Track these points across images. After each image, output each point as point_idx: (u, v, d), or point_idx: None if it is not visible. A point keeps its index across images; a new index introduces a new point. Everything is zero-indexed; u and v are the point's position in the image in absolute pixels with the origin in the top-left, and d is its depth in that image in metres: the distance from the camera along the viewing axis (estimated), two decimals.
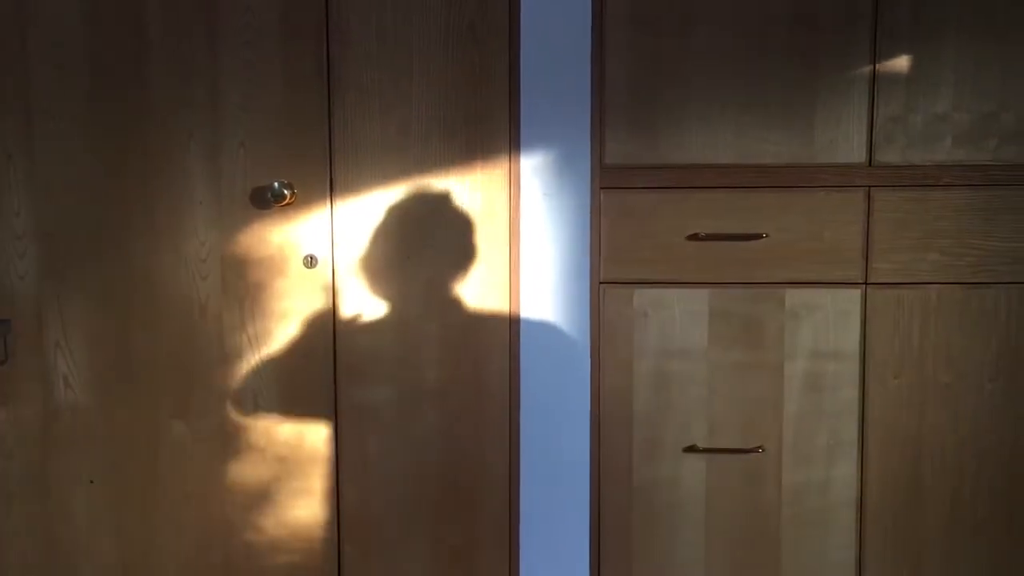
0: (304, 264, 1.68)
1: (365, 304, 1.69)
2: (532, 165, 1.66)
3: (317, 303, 1.69)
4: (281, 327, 1.69)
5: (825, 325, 1.65)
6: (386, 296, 1.68)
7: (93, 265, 1.69)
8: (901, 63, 1.60)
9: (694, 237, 1.64)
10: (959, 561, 1.68)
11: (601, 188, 1.65)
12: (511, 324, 1.67)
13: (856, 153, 1.62)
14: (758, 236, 1.63)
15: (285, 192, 1.63)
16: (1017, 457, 1.65)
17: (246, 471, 1.72)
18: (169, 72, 1.65)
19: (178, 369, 1.70)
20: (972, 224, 1.61)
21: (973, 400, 1.65)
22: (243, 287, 1.69)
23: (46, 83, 1.66)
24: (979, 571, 1.68)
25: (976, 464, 1.66)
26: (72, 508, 1.74)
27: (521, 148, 1.65)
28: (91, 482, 1.74)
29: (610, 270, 1.66)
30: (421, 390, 1.69)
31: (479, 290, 1.67)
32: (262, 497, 1.73)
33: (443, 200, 1.66)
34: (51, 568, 1.76)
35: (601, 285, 1.67)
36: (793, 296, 1.65)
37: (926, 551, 1.68)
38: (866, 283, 1.63)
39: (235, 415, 1.71)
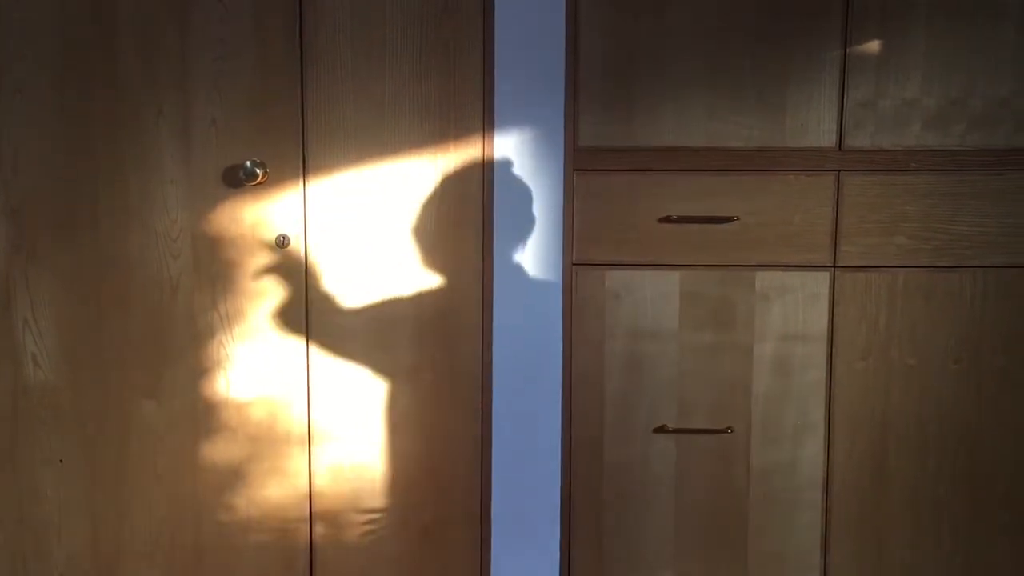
0: (276, 244, 1.67)
1: (337, 284, 1.68)
2: (506, 146, 1.66)
3: (289, 283, 1.68)
4: (253, 307, 1.69)
5: (794, 307, 1.67)
6: (358, 276, 1.68)
7: (62, 242, 1.68)
8: (871, 48, 1.61)
9: (666, 219, 1.65)
10: (922, 540, 1.71)
11: (574, 170, 1.66)
12: (484, 305, 1.68)
13: (826, 137, 1.63)
14: (729, 219, 1.64)
15: (257, 171, 1.62)
16: (979, 438, 1.68)
17: (218, 451, 1.72)
18: (138, 48, 1.64)
19: (149, 348, 1.70)
20: (939, 208, 1.64)
21: (937, 382, 1.67)
22: (215, 266, 1.68)
23: (13, 59, 1.64)
24: (942, 550, 1.71)
25: (939, 445, 1.69)
26: (41, 488, 1.73)
27: (495, 128, 1.65)
28: (60, 462, 1.73)
29: (582, 252, 1.67)
30: (394, 369, 1.69)
31: (452, 270, 1.68)
32: (234, 477, 1.73)
33: (416, 180, 1.66)
34: (20, 548, 1.75)
35: (573, 266, 1.68)
36: (763, 279, 1.67)
37: (890, 530, 1.71)
38: (835, 266, 1.66)
39: (207, 395, 1.71)
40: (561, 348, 1.69)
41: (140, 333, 1.69)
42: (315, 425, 1.71)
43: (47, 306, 1.69)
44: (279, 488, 1.73)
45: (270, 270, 1.68)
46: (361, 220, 1.67)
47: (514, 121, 1.65)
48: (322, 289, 1.68)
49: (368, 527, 1.73)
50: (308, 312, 1.69)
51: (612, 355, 1.69)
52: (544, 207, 1.67)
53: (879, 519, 1.71)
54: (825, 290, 1.66)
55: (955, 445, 1.68)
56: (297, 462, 1.72)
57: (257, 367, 1.70)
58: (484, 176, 1.66)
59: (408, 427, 1.71)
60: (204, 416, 1.71)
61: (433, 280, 1.68)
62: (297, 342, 1.69)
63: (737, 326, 1.67)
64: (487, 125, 1.64)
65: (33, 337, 1.70)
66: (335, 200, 1.66)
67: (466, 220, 1.67)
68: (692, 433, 1.70)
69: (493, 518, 1.72)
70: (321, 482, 1.73)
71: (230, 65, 1.63)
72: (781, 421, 1.69)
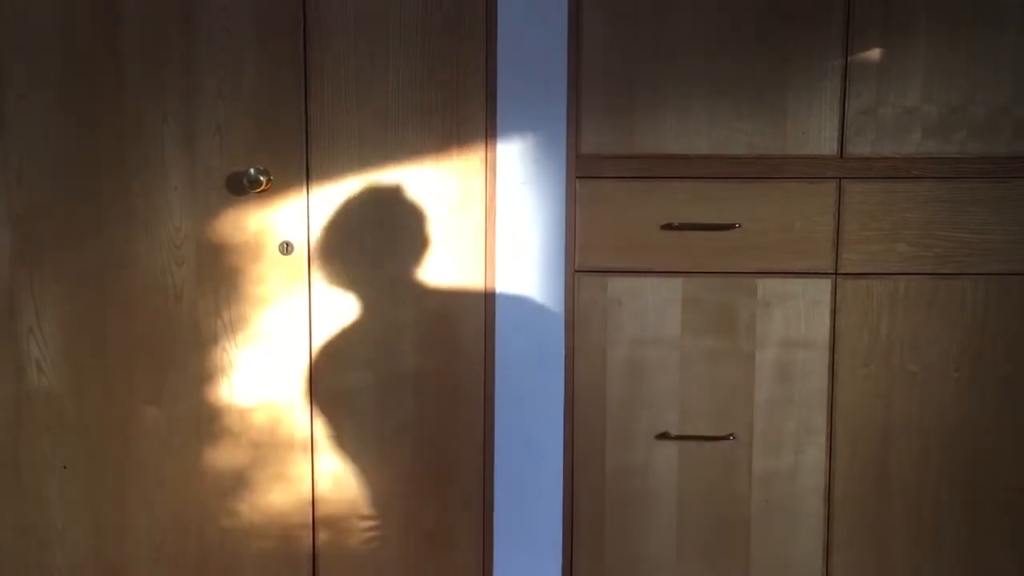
0: (280, 251, 1.68)
1: (341, 290, 1.69)
2: (509, 153, 1.67)
3: (293, 289, 1.69)
4: (257, 313, 1.69)
5: (796, 314, 1.67)
6: (362, 282, 1.69)
7: (67, 250, 1.69)
8: (872, 56, 1.62)
9: (668, 226, 1.66)
10: (924, 547, 1.71)
11: (577, 177, 1.66)
12: (486, 311, 1.68)
13: (827, 145, 1.64)
14: (731, 226, 1.65)
15: (261, 179, 1.63)
16: (981, 445, 1.68)
17: (221, 457, 1.73)
18: (143, 55, 1.64)
19: (153, 354, 1.70)
20: (940, 216, 1.64)
21: (939, 389, 1.67)
22: (219, 273, 1.69)
23: (18, 65, 1.65)
24: (943, 558, 1.71)
25: (941, 452, 1.69)
26: (45, 494, 1.74)
27: (498, 136, 1.66)
28: (64, 468, 1.73)
29: (585, 258, 1.68)
30: (397, 376, 1.70)
31: (455, 277, 1.68)
32: (237, 483, 1.73)
33: (420, 188, 1.67)
34: (24, 554, 1.75)
35: (576, 273, 1.68)
36: (765, 285, 1.67)
37: (892, 537, 1.71)
38: (836, 273, 1.66)
39: (210, 401, 1.71)
40: (563, 354, 1.69)
41: (144, 339, 1.70)
42: (318, 431, 1.72)
43: (51, 312, 1.70)
44: (282, 494, 1.73)
45: (274, 277, 1.69)
46: (364, 227, 1.67)
47: (516, 128, 1.66)
48: (325, 295, 1.69)
49: (371, 533, 1.74)
50: (311, 318, 1.69)
51: (614, 361, 1.69)
52: (546, 214, 1.68)
53: (881, 526, 1.71)
54: (827, 297, 1.66)
55: (957, 453, 1.68)
56: (300, 468, 1.72)
57: (260, 373, 1.71)
58: (486, 183, 1.66)
59: (411, 432, 1.71)
60: (207, 422, 1.72)
61: (435, 286, 1.68)
62: (300, 348, 1.70)
63: (739, 333, 1.68)
64: (490, 133, 1.65)
65: (37, 343, 1.71)
66: (339, 207, 1.67)
67: (469, 227, 1.67)
68: (694, 440, 1.70)
69: (496, 524, 1.73)
70: (324, 488, 1.73)
71: (234, 72, 1.64)
72: (783, 428, 1.69)
